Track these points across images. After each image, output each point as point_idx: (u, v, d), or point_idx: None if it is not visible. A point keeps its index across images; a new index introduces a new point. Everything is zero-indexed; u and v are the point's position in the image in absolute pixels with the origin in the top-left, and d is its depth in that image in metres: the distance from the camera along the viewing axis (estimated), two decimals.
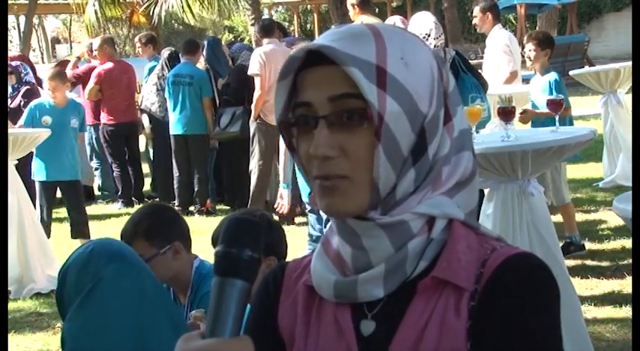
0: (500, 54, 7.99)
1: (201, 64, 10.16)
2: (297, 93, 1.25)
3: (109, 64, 10.33)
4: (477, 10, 8.20)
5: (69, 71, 10.86)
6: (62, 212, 10.41)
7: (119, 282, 2.22)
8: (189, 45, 9.89)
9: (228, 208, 9.54)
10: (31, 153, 8.80)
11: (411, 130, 1.22)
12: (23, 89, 10.68)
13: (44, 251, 7.20)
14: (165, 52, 10.22)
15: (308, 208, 6.71)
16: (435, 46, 5.36)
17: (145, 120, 10.07)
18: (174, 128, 9.54)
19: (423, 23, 5.43)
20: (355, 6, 7.53)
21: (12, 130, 8.37)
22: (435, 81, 1.25)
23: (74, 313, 2.19)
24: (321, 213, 4.18)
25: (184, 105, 9.42)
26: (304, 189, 5.87)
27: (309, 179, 1.26)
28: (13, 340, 5.95)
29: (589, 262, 6.49)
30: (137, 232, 3.31)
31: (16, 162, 7.20)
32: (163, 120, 9.85)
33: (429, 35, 5.37)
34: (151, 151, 10.87)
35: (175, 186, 9.70)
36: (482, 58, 9.60)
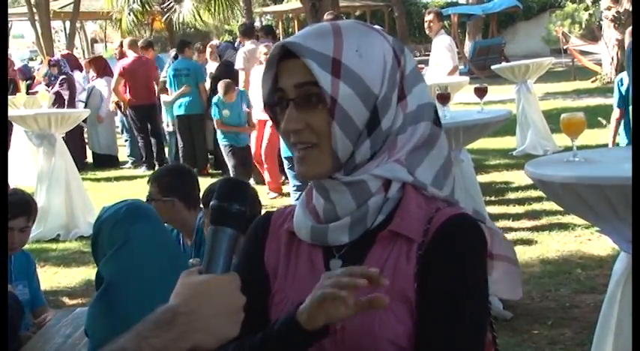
0: (445, 51, 7.87)
1: (207, 60, 9.99)
2: (277, 80, 1.23)
3: (129, 60, 10.07)
4: (432, 16, 7.97)
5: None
6: (99, 174, 10.35)
7: (147, 239, 2.15)
8: (179, 46, 9.86)
9: (221, 172, 9.38)
10: (81, 128, 8.62)
11: (365, 109, 1.19)
12: (61, 78, 10.58)
13: (85, 203, 7.18)
14: (172, 52, 10.10)
15: (287, 165, 6.67)
16: None
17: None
18: (178, 110, 9.51)
19: None
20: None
21: (58, 110, 8.27)
22: (388, 67, 1.21)
23: (109, 260, 2.11)
24: None
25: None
26: (285, 150, 5.80)
27: (289, 146, 1.24)
28: (63, 272, 5.93)
29: (506, 209, 6.53)
30: (157, 177, 3.44)
31: (64, 134, 7.13)
32: None
33: None
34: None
35: (180, 154, 9.62)
36: (425, 55, 9.54)
